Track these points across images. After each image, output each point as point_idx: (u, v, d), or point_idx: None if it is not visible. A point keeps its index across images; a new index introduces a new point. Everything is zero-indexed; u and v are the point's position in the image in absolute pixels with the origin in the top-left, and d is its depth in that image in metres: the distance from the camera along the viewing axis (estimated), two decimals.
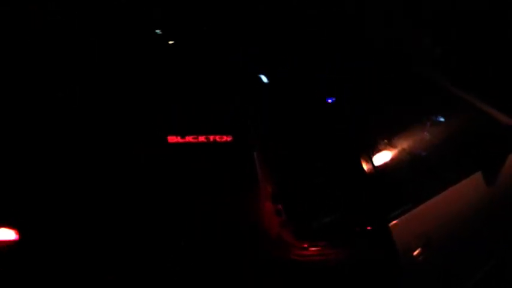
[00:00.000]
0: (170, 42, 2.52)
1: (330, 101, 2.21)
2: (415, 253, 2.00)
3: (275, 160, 1.99)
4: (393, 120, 2.31)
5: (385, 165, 2.10)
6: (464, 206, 2.24)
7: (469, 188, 2.29)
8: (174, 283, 1.95)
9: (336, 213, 2.01)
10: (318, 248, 1.92)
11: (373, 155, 2.08)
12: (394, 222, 1.98)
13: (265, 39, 2.59)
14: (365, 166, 2.01)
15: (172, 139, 2.03)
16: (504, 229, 2.47)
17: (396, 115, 2.32)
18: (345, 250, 1.93)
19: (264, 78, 2.17)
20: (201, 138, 2.02)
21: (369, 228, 1.96)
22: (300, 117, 2.10)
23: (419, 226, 2.04)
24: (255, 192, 1.96)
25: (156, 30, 2.62)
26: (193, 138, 2.03)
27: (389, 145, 2.21)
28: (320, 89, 2.23)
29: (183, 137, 2.03)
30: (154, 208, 2.00)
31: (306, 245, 1.92)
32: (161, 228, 1.98)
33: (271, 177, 1.96)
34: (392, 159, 2.16)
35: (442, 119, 2.45)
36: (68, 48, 2.54)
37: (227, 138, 2.01)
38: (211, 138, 2.02)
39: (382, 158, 2.13)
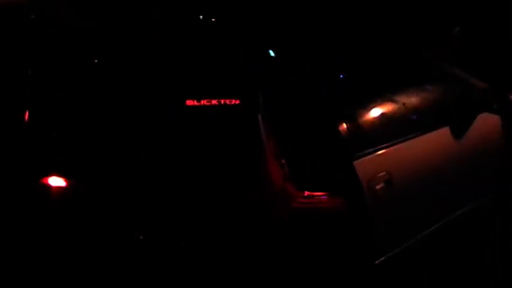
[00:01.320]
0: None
1: (341, 76, 2.57)
2: (378, 187, 2.33)
3: (278, 121, 2.30)
4: (380, 84, 2.66)
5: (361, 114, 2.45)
6: (430, 154, 2.57)
7: (436, 139, 2.63)
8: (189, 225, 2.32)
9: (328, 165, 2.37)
10: (316, 197, 2.23)
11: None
12: (360, 159, 2.30)
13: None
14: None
15: (189, 102, 2.35)
16: (469, 182, 2.79)
17: (384, 82, 2.67)
18: (339, 199, 2.23)
19: (272, 53, 2.47)
20: (214, 102, 2.33)
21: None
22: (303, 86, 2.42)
23: (382, 165, 2.37)
24: (260, 148, 2.27)
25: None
26: (207, 102, 2.34)
27: (370, 100, 2.54)
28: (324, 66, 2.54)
29: (198, 100, 2.35)
30: (177, 158, 2.35)
31: (306, 194, 2.23)
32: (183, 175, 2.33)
33: (275, 135, 2.27)
34: (369, 111, 2.50)
35: (420, 85, 2.79)
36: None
37: (236, 101, 2.32)
38: (222, 101, 2.33)
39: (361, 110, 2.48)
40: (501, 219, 3.06)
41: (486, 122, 2.89)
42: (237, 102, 2.33)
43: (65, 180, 2.47)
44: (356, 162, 2.28)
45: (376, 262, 2.34)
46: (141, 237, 2.43)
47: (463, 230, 2.81)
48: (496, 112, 2.98)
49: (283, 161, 2.27)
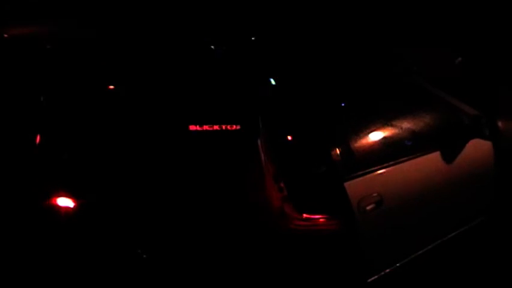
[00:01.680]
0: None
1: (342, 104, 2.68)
2: (368, 208, 2.43)
3: (277, 145, 2.39)
4: (374, 110, 2.77)
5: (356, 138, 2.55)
6: (420, 177, 2.67)
7: (427, 162, 2.72)
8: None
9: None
10: (313, 219, 2.31)
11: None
12: (352, 181, 2.40)
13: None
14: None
15: (192, 127, 2.46)
16: (460, 205, 2.87)
17: (378, 107, 2.79)
18: (335, 220, 2.32)
19: (272, 81, 2.59)
20: (216, 127, 2.44)
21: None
22: (300, 113, 2.53)
23: (373, 187, 2.47)
24: (259, 171, 2.36)
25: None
26: (209, 127, 2.45)
27: (367, 126, 2.64)
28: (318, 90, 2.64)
29: (201, 125, 2.46)
30: (179, 180, 2.46)
31: (304, 216, 2.32)
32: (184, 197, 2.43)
33: (274, 159, 2.35)
34: (363, 134, 2.60)
35: (413, 110, 2.90)
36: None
37: (236, 127, 2.42)
38: (223, 126, 2.43)
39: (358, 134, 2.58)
40: (492, 241, 3.13)
41: (478, 148, 2.99)
42: (238, 127, 2.43)
43: (73, 201, 2.60)
44: (348, 184, 2.39)
45: (369, 281, 2.44)
46: (144, 256, 2.54)
47: (454, 252, 2.89)
48: (488, 138, 3.08)
49: (281, 184, 2.35)
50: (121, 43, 2.93)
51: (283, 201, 2.35)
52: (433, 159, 2.76)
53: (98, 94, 2.73)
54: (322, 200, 2.40)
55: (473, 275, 2.96)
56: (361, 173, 2.46)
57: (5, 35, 3.07)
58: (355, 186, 2.40)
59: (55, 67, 2.81)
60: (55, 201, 2.61)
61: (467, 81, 3.96)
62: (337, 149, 2.44)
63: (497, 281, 2.98)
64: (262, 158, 2.37)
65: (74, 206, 2.60)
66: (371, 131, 2.65)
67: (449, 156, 2.80)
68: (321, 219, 2.34)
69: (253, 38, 2.95)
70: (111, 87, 2.76)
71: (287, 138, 2.44)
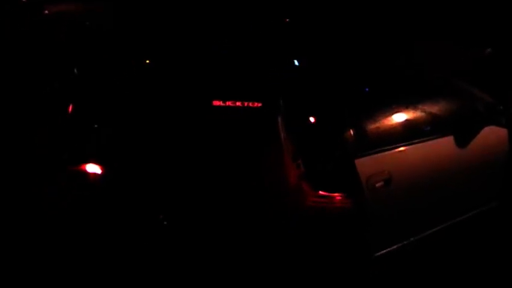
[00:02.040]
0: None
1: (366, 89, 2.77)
2: (377, 185, 2.52)
3: (296, 124, 2.48)
4: (391, 94, 2.86)
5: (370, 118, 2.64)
6: (432, 159, 2.75)
7: (440, 146, 2.80)
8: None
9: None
10: (329, 196, 2.41)
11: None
12: (360, 159, 2.48)
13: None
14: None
15: (216, 103, 2.58)
16: (470, 190, 2.94)
17: (395, 91, 2.87)
18: (349, 199, 2.42)
19: (296, 62, 2.69)
20: (238, 103, 2.54)
21: None
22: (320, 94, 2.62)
23: (384, 165, 2.56)
24: (279, 149, 2.45)
25: None
26: (231, 103, 2.56)
27: (382, 108, 2.71)
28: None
29: (224, 101, 2.57)
30: (202, 153, 2.59)
31: (320, 193, 2.42)
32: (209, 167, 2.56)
33: (292, 137, 2.45)
34: (380, 114, 2.69)
35: (430, 95, 2.98)
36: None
37: (258, 104, 2.52)
38: (246, 103, 2.54)
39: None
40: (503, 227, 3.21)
41: (493, 134, 3.06)
42: (259, 105, 2.53)
43: (101, 168, 2.75)
44: (358, 161, 2.48)
45: (376, 255, 2.56)
46: (165, 222, 2.68)
47: (463, 235, 2.99)
48: (504, 126, 3.15)
49: (299, 161, 2.46)
50: (154, 23, 3.06)
51: (300, 179, 2.45)
52: (446, 143, 2.84)
53: (128, 69, 2.86)
54: (336, 178, 2.49)
55: (480, 258, 3.05)
56: (372, 151, 2.55)
57: (46, 11, 3.21)
58: (365, 164, 2.49)
59: (91, 42, 2.96)
60: (84, 167, 2.77)
61: (492, 71, 4.01)
62: (351, 130, 2.54)
63: (503, 265, 3.06)
64: (282, 136, 2.47)
65: (102, 172, 2.76)
66: (387, 114, 2.72)
67: (462, 141, 2.88)
68: (336, 197, 2.44)
69: (287, 20, 3.05)
70: (143, 62, 2.89)
71: (306, 118, 2.53)
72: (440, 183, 2.77)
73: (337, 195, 2.44)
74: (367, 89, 2.78)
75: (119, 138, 2.79)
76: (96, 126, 2.84)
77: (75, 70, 2.92)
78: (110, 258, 2.72)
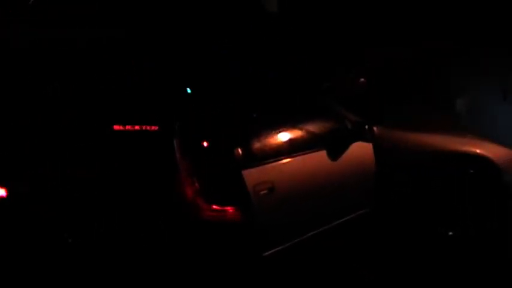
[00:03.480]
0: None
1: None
2: (261, 193, 2.87)
3: (191, 145, 2.75)
4: (273, 113, 3.26)
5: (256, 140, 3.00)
6: (307, 170, 3.16)
7: (314, 158, 3.22)
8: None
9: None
10: (221, 210, 2.70)
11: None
12: (249, 170, 2.83)
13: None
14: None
15: (116, 127, 2.80)
16: (343, 197, 3.36)
17: (276, 112, 3.29)
18: (239, 211, 2.74)
19: (188, 90, 3.02)
20: (137, 127, 2.78)
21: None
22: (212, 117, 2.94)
23: (267, 175, 2.92)
24: (175, 167, 2.70)
25: None
26: (131, 127, 2.79)
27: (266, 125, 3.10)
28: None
29: (124, 126, 2.79)
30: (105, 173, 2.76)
31: (215, 207, 2.70)
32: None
33: (188, 156, 2.71)
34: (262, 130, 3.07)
35: (307, 116, 3.42)
36: None
37: (155, 128, 2.76)
38: (144, 127, 2.77)
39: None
40: (373, 231, 3.65)
41: (360, 149, 3.51)
42: (156, 128, 2.77)
43: (5, 190, 2.85)
44: (245, 172, 2.82)
45: (264, 255, 2.91)
46: (69, 240, 2.82)
47: (340, 236, 3.39)
48: (369, 141, 3.62)
49: (194, 179, 2.73)
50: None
51: (196, 195, 2.71)
52: (320, 156, 3.27)
53: (28, 92, 3.04)
54: (228, 192, 2.81)
55: (357, 255, 3.44)
56: (257, 163, 2.92)
57: None
58: (251, 174, 2.85)
59: None
60: None
61: (364, 96, 4.55)
62: (239, 148, 2.90)
63: (376, 260, 3.46)
64: (178, 156, 2.72)
65: (6, 195, 2.86)
66: (270, 132, 3.13)
67: (334, 154, 3.33)
68: (229, 210, 2.74)
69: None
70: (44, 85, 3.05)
71: (200, 140, 2.82)
72: (317, 191, 3.18)
73: (229, 209, 2.74)
74: (254, 115, 3.15)
75: (24, 160, 2.90)
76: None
77: None
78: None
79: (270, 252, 2.94)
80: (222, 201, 2.75)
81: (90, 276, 2.79)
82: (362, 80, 4.93)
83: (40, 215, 2.85)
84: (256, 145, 3.01)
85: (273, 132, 3.14)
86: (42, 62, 3.14)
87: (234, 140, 2.92)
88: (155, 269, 2.75)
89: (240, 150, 2.89)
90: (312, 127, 3.33)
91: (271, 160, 3.02)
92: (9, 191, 2.86)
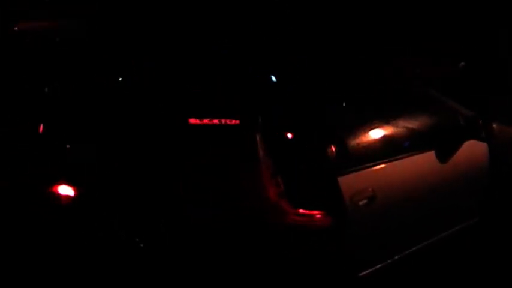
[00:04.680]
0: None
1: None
2: (361, 203, 2.48)
3: (275, 141, 2.45)
4: (372, 109, 2.84)
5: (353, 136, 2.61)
6: (414, 175, 2.73)
7: (422, 161, 2.77)
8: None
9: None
10: (309, 215, 2.39)
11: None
12: (343, 176, 2.44)
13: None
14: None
15: (192, 121, 2.55)
16: (453, 205, 2.93)
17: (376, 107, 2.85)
18: (329, 217, 2.39)
19: (273, 78, 2.67)
20: (215, 121, 2.52)
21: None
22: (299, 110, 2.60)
23: (367, 182, 2.52)
24: (257, 166, 2.42)
25: None
26: (208, 121, 2.53)
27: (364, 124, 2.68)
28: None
29: (201, 119, 2.54)
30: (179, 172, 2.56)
31: (300, 212, 2.39)
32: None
33: (271, 154, 2.42)
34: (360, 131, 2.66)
35: (411, 111, 2.96)
36: None
37: (235, 122, 2.50)
38: (223, 121, 2.51)
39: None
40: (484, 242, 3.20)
41: (473, 149, 3.04)
42: (237, 122, 2.50)
43: (73, 189, 2.67)
44: (341, 178, 2.44)
45: (360, 275, 2.51)
46: (141, 244, 2.62)
47: (446, 251, 2.96)
48: (483, 140, 3.15)
49: (278, 179, 2.41)
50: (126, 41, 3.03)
51: (279, 197, 2.41)
52: (427, 158, 2.81)
53: (101, 87, 2.81)
54: (317, 195, 2.46)
55: (465, 274, 3.02)
56: (355, 168, 2.51)
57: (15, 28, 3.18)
58: (348, 181, 2.46)
59: (61, 59, 2.91)
60: (56, 189, 2.69)
61: (466, 84, 4.06)
62: (333, 146, 2.50)
63: (487, 280, 3.04)
64: (260, 153, 2.43)
65: (74, 195, 2.68)
66: (368, 129, 2.70)
67: (444, 156, 2.86)
68: (316, 215, 2.41)
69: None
70: (115, 80, 2.84)
71: (285, 135, 2.50)
72: (423, 199, 2.75)
73: (317, 213, 2.40)
74: (344, 104, 2.75)
75: (93, 159, 2.71)
76: (68, 146, 2.77)
77: (46, 89, 2.85)
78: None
79: (367, 271, 2.54)
80: (310, 205, 2.42)
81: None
82: (462, 63, 4.42)
83: (110, 217, 2.65)
84: (352, 144, 2.59)
85: (372, 129, 2.70)
86: (111, 56, 2.95)
87: (325, 137, 2.53)
88: (231, 277, 2.51)
89: (332, 149, 2.50)
90: (418, 123, 2.87)
91: (372, 164, 2.58)
92: (77, 191, 2.66)
